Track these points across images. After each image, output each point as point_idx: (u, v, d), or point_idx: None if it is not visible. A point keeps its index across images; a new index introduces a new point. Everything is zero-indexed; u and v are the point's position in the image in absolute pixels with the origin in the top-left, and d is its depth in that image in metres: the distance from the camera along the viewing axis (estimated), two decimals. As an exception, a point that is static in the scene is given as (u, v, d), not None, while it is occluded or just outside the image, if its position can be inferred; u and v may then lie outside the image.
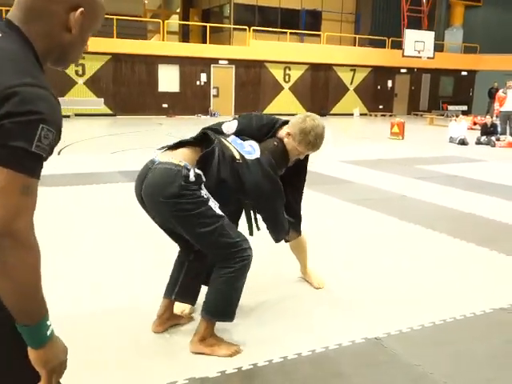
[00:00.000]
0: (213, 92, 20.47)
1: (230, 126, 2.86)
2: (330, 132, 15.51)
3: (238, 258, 2.52)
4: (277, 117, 3.04)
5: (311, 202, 6.20)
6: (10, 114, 1.04)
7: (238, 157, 2.63)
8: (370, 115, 23.61)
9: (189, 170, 2.44)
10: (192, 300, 2.95)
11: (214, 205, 2.50)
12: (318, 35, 22.99)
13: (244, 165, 2.63)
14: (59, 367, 1.19)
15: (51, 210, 5.52)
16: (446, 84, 25.79)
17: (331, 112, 22.90)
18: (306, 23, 24.07)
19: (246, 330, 2.92)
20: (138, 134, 13.51)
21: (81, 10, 1.22)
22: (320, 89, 22.62)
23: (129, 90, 19.17)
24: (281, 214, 2.87)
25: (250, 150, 2.72)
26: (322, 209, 5.88)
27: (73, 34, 1.25)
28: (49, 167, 6.66)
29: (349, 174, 8.11)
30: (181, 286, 2.84)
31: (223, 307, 2.62)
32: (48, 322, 1.16)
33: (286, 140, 2.85)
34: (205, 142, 2.63)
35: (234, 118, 2.94)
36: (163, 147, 2.65)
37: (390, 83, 24.36)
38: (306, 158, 3.09)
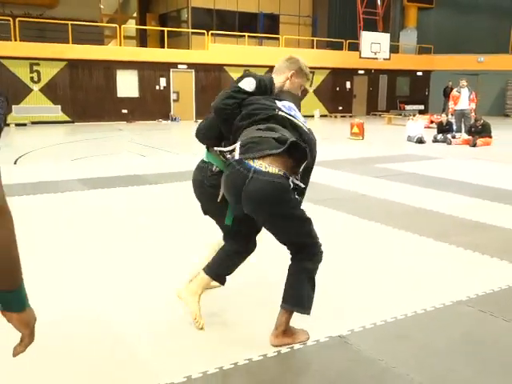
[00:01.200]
0: (173, 97, 20.33)
1: (250, 83, 2.80)
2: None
3: (318, 251, 2.74)
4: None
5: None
6: None
7: (307, 130, 2.77)
8: (331, 116, 23.90)
9: (288, 179, 2.57)
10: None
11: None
12: (277, 38, 23.14)
13: (312, 135, 2.78)
14: (35, 326, 1.28)
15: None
16: (403, 84, 26.37)
17: (292, 114, 23.04)
18: (264, 26, 24.23)
19: (211, 332, 2.91)
20: (98, 141, 13.30)
21: None
22: (280, 91, 22.73)
23: (87, 97, 18.84)
24: None
25: (303, 118, 2.85)
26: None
27: None
28: (5, 176, 6.45)
29: (310, 174, 8.17)
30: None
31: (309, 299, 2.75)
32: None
33: (288, 83, 2.95)
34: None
35: (245, 76, 2.86)
36: (247, 153, 2.57)
37: (348, 84, 24.72)
38: None
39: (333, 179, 7.78)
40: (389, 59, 22.93)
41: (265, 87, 2.83)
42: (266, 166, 2.53)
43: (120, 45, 19.68)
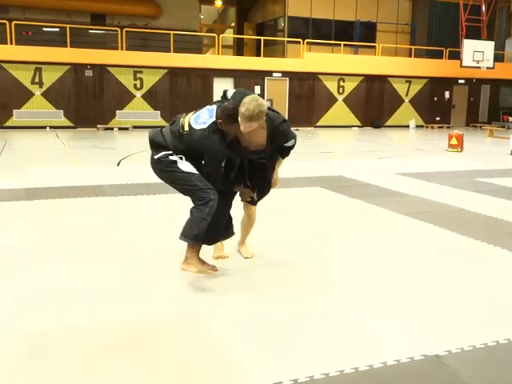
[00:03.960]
0: (267, 104, 20.57)
1: (228, 92, 3.88)
2: (383, 144, 15.28)
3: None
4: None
5: (366, 214, 6.11)
6: None
7: (186, 129, 3.60)
8: (427, 127, 23.08)
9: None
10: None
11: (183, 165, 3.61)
12: (373, 47, 22.76)
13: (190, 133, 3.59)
14: None
15: (110, 218, 5.69)
16: (507, 95, 24.90)
17: (386, 124, 22.56)
18: (361, 35, 23.89)
19: (305, 340, 2.90)
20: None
21: None
22: (374, 100, 22.36)
23: (185, 103, 19.54)
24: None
25: (204, 120, 3.56)
26: (377, 221, 5.79)
27: None
28: (109, 177, 6.94)
29: (405, 186, 7.94)
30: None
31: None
32: None
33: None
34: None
35: (237, 89, 3.94)
36: None
37: (447, 94, 23.76)
38: (287, 149, 3.92)
39: (429, 192, 7.50)
40: (492, 68, 21.77)
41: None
42: None
43: (218, 53, 20.26)
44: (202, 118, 3.57)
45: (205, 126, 3.51)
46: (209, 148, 3.53)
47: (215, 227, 3.67)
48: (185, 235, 3.59)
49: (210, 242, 3.90)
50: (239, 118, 3.47)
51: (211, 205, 3.52)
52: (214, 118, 3.53)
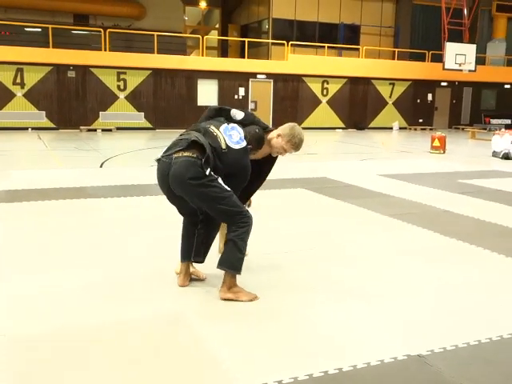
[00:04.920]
0: (251, 106, 20.59)
1: (237, 114, 3.66)
2: (367, 146, 15.37)
3: (242, 219, 3.36)
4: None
5: (350, 215, 6.13)
6: None
7: (220, 140, 3.44)
8: (410, 129, 23.29)
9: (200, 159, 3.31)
10: (203, 258, 3.73)
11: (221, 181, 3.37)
12: (357, 49, 22.91)
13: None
14: None
15: (92, 220, 5.63)
16: (489, 97, 25.23)
17: (370, 126, 22.72)
18: (345, 37, 24.01)
19: (290, 342, 2.89)
20: (177, 148, 13.66)
21: None
22: (358, 102, 22.50)
23: (168, 105, 19.48)
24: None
25: (238, 140, 3.50)
26: (361, 223, 5.80)
27: None
28: (91, 179, 6.86)
29: (388, 187, 7.99)
30: (195, 250, 3.68)
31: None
32: None
33: (275, 140, 3.64)
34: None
35: (243, 111, 3.70)
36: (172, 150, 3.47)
37: (430, 97, 24.00)
38: (276, 158, 3.85)
39: (412, 193, 7.55)
40: (474, 71, 22.04)
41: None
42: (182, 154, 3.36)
43: (202, 55, 20.22)
44: (234, 138, 3.47)
45: (240, 146, 3.46)
46: (245, 169, 3.49)
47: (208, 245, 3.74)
48: (230, 267, 3.40)
49: (197, 260, 3.74)
50: (285, 143, 3.61)
51: (251, 230, 3.42)
52: (245, 142, 3.49)
